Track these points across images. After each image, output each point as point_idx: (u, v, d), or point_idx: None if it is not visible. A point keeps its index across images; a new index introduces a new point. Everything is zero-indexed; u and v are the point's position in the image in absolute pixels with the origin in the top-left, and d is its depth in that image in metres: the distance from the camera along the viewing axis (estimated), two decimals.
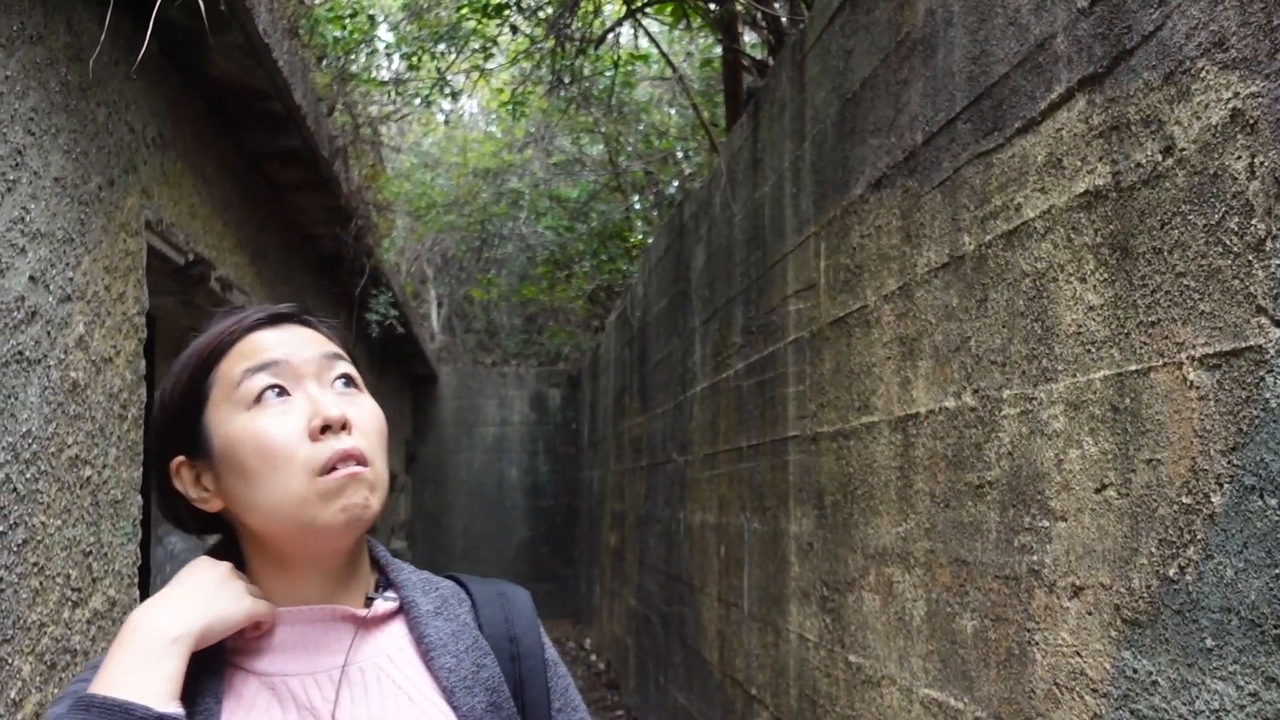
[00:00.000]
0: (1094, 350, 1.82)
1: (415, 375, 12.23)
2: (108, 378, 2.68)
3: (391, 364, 10.05)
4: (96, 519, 2.60)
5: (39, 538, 2.28)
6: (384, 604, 1.10)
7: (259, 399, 1.02)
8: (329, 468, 1.00)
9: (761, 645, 3.98)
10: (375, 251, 5.61)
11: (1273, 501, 1.37)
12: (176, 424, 1.06)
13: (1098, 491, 1.79)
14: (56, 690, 2.35)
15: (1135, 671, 1.67)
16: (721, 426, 4.78)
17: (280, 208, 4.73)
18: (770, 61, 4.86)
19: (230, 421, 1.02)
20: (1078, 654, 1.85)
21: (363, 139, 4.94)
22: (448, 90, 5.98)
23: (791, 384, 3.66)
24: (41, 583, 2.29)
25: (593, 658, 9.76)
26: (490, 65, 6.18)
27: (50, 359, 2.34)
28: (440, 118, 10.09)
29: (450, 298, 12.99)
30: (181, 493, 1.06)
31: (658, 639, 6.48)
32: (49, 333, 2.34)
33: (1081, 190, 1.86)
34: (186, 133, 3.37)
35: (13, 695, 2.16)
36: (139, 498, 2.89)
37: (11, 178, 2.06)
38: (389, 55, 6.50)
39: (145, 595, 4.16)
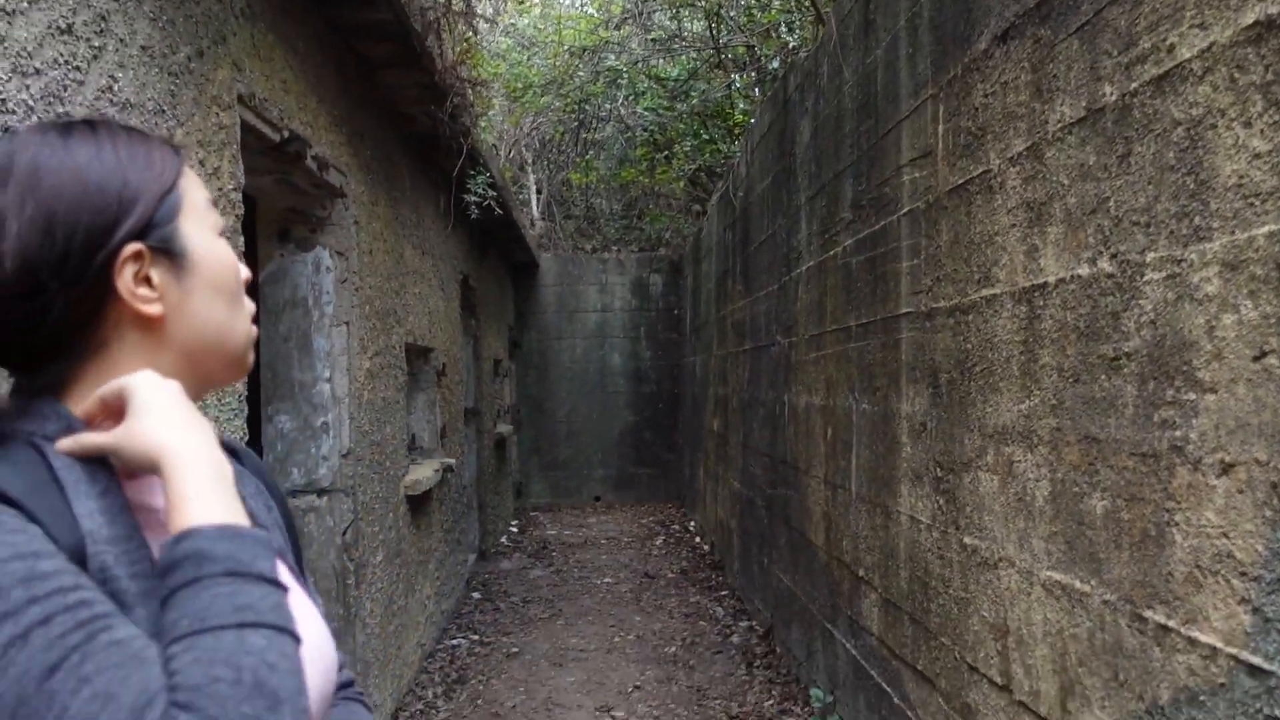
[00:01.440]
0: (1258, 203, 1.63)
1: (516, 262, 12.24)
2: None
3: (492, 250, 10.05)
4: None
5: None
6: None
7: (221, 234, 1.06)
8: (253, 320, 1.09)
9: (870, 527, 3.90)
10: (472, 131, 5.51)
11: None
12: (146, 210, 0.95)
13: (1256, 360, 1.62)
14: None
15: None
16: (828, 306, 4.62)
17: (373, 86, 4.65)
18: None
19: (209, 236, 1.03)
20: (1224, 535, 1.71)
21: (455, 12, 4.79)
22: None
23: (905, 259, 3.48)
24: None
25: (697, 540, 9.85)
26: None
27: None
28: None
29: (549, 183, 12.88)
30: (117, 288, 0.93)
31: (761, 522, 6.46)
32: None
33: (1250, 22, 1.65)
34: (274, 5, 3.28)
35: None
36: None
37: (97, 44, 2.01)
38: None
39: None
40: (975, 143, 2.84)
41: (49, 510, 0.83)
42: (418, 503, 5.53)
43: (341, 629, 4.17)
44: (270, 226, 4.22)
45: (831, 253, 4.56)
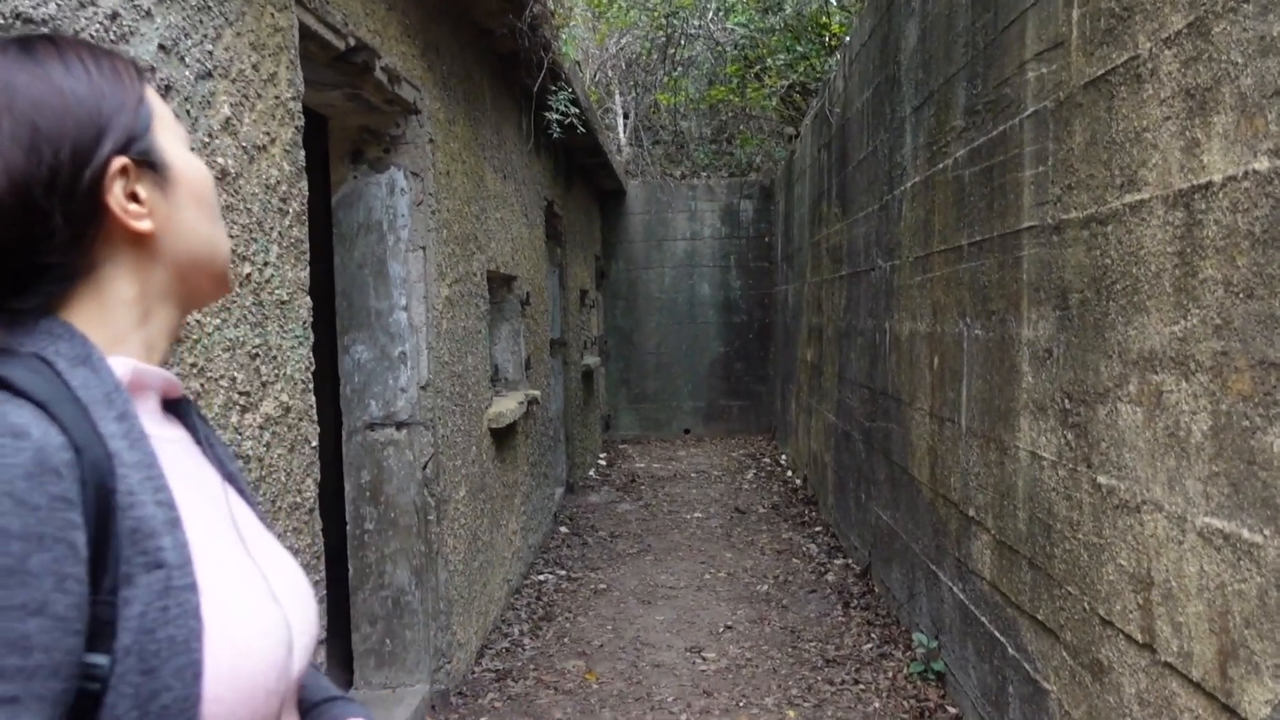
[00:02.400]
0: None
1: (603, 190, 11.96)
2: (262, 168, 2.46)
3: (578, 178, 9.78)
4: (261, 320, 2.43)
5: (194, 336, 2.11)
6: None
7: (190, 147, 1.02)
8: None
9: (983, 464, 3.59)
10: (553, 45, 5.21)
11: None
12: (127, 122, 0.90)
13: None
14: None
15: None
16: (936, 225, 4.26)
17: None
18: None
19: (183, 149, 0.98)
20: None
21: None
22: None
23: (1028, 166, 3.12)
24: (204, 385, 2.13)
25: (789, 474, 9.60)
26: None
27: (190, 140, 2.11)
28: None
29: (636, 107, 12.51)
30: (108, 204, 0.88)
31: (858, 456, 6.17)
32: (188, 111, 2.10)
33: None
34: None
35: None
36: (308, 299, 2.71)
37: None
38: None
39: (330, 405, 4.15)
40: (1119, 25, 2.47)
41: (74, 420, 0.79)
42: (502, 436, 5.37)
43: (423, 566, 4.03)
44: (342, 146, 4.02)
45: (940, 166, 4.19)
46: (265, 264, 2.46)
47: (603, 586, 5.87)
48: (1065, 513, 2.80)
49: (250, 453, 2.35)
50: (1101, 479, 2.55)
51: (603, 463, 10.58)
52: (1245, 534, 1.90)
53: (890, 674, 4.34)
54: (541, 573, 6.13)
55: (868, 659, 4.54)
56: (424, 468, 4.04)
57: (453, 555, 4.26)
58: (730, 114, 12.59)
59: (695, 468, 10.21)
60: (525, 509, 6.11)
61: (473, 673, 4.45)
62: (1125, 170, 2.43)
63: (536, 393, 6.18)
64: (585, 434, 9.87)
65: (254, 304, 2.40)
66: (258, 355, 2.41)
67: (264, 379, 2.44)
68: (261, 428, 2.42)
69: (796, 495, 8.50)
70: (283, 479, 2.52)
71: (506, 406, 5.27)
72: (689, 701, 4.12)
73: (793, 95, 9.54)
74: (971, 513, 3.73)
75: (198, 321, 2.12)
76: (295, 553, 2.59)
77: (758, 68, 9.40)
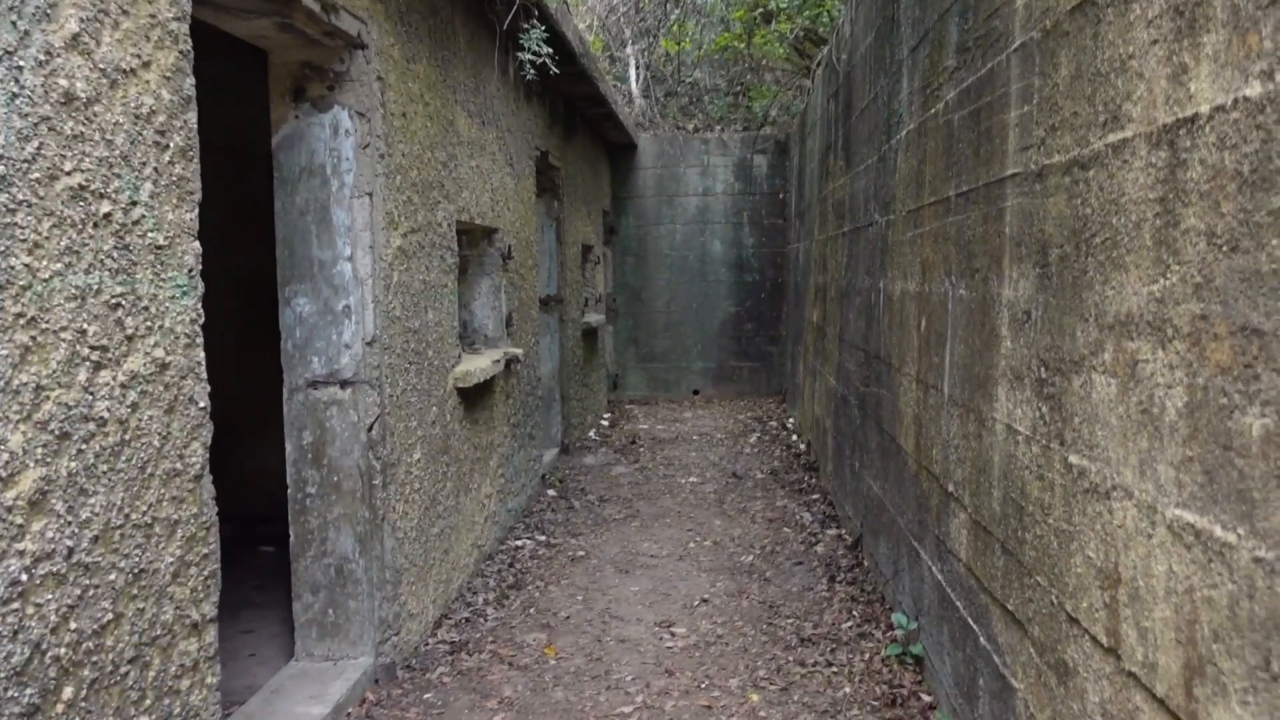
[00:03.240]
0: None
1: (611, 143, 11.61)
2: (130, 94, 2.19)
3: (581, 129, 9.45)
4: (127, 266, 2.17)
5: (22, 283, 1.85)
6: None
7: None
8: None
9: (962, 435, 3.30)
10: None
11: None
12: None
13: None
14: (72, 464, 1.98)
15: None
16: (927, 175, 3.94)
17: None
18: None
19: None
20: None
21: None
22: None
23: (1013, 106, 2.79)
24: (34, 338, 1.88)
25: (793, 438, 9.32)
26: None
27: (20, 57, 1.84)
28: None
29: (647, 55, 12.11)
30: None
31: (854, 422, 5.88)
32: (12, 22, 1.83)
33: None
34: None
35: None
36: (195, 245, 2.45)
37: None
38: None
39: (274, 359, 3.87)
40: None
41: None
42: (472, 396, 5.12)
43: (367, 533, 3.80)
44: (282, 83, 3.74)
45: (932, 111, 3.86)
46: (133, 203, 2.20)
47: (581, 554, 5.63)
48: (1037, 494, 2.51)
49: (106, 414, 2.10)
50: (1073, 458, 2.26)
51: (605, 423, 10.34)
52: (1218, 531, 1.60)
53: (867, 656, 4.08)
54: (520, 538, 5.90)
55: (845, 638, 4.28)
56: (369, 429, 3.80)
57: (403, 522, 4.03)
58: (745, 65, 12.17)
59: (699, 430, 9.95)
60: (504, 472, 5.87)
61: (426, 644, 4.23)
62: (1109, 105, 2.11)
63: (518, 351, 5.91)
64: (585, 394, 9.62)
65: (116, 248, 2.14)
66: (121, 305, 2.15)
67: (130, 332, 2.18)
68: (125, 386, 2.16)
69: (798, 461, 8.22)
70: (155, 444, 2.28)
71: (478, 365, 5.02)
72: (648, 681, 3.88)
73: (805, 44, 9.14)
74: (951, 488, 3.45)
75: (26, 265, 1.86)
76: (174, 524, 2.35)
77: (760, 10, 8.96)
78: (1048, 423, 2.44)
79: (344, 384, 3.78)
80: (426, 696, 3.75)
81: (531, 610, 4.69)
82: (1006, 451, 2.78)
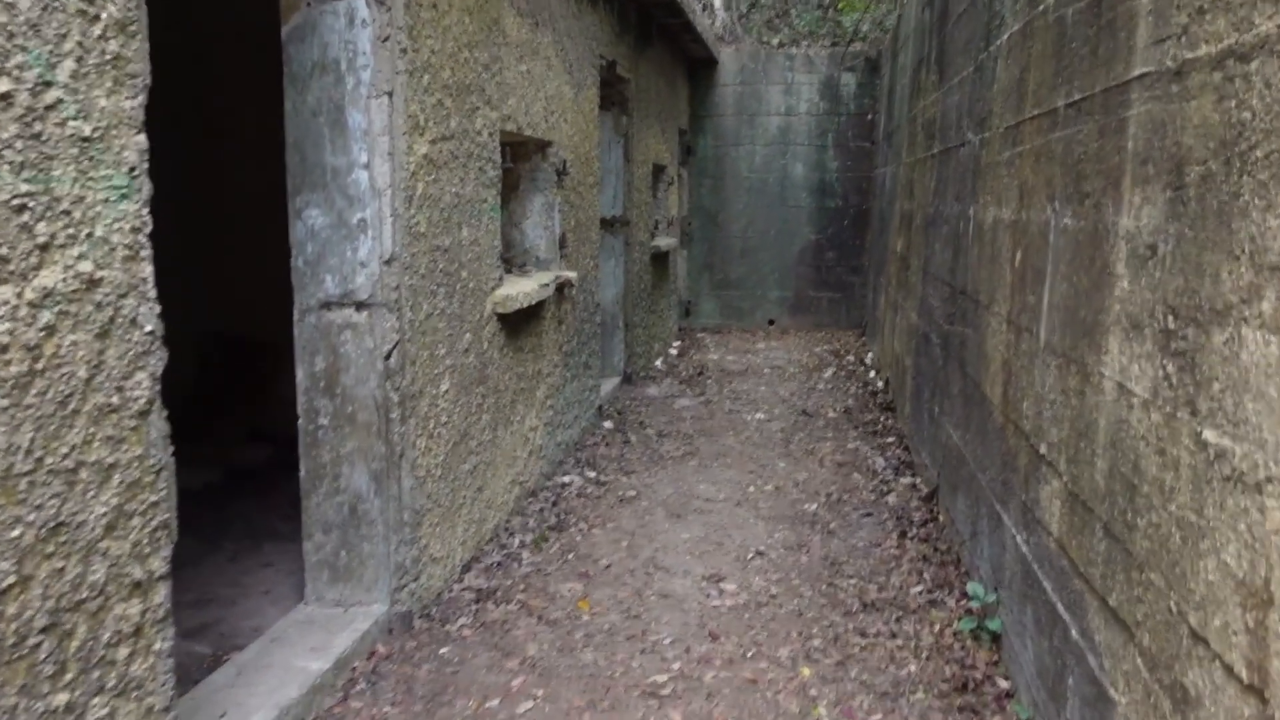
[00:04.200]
0: None
1: (691, 58, 10.98)
2: None
3: (657, 40, 8.87)
4: (38, 160, 1.79)
5: None
6: None
7: None
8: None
9: (1060, 389, 2.80)
10: None
11: None
12: None
13: None
14: None
15: None
16: (1031, 84, 3.37)
17: None
18: None
19: None
20: None
21: None
22: None
23: None
24: None
25: (871, 374, 8.79)
26: None
27: None
28: None
29: None
30: None
31: (935, 362, 5.36)
32: None
33: None
34: None
35: None
36: (138, 139, 2.06)
37: None
38: None
39: (237, 270, 3.49)
40: None
41: None
42: (516, 322, 4.73)
43: (383, 471, 3.46)
44: None
45: (1040, 7, 3.28)
46: (45, 84, 1.80)
47: (632, 494, 5.26)
48: (1156, 472, 2.02)
49: (7, 338, 1.73)
50: (1209, 434, 1.76)
51: (674, 352, 9.91)
52: None
53: (937, 628, 3.64)
54: (569, 473, 5.55)
55: (914, 605, 3.84)
56: (386, 357, 3.43)
57: (425, 458, 3.68)
58: None
59: (771, 362, 9.47)
60: (553, 403, 5.50)
61: (450, 591, 3.91)
62: None
63: (572, 274, 5.49)
64: (653, 321, 9.19)
65: (20, 137, 1.75)
66: (28, 208, 1.77)
67: (41, 240, 1.80)
68: (35, 306, 1.80)
69: (875, 400, 7.72)
70: (81, 375, 1.91)
71: (522, 289, 4.61)
72: (689, 646, 3.50)
73: None
74: (1043, 449, 2.95)
75: None
76: (108, 469, 1.99)
77: None
78: (1174, 386, 1.94)
79: (359, 306, 3.41)
80: (443, 651, 3.43)
81: (570, 556, 4.34)
82: (1116, 415, 2.29)
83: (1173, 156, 2.02)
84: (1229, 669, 1.64)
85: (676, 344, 10.38)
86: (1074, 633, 2.55)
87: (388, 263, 3.40)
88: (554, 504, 5.02)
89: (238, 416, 6.06)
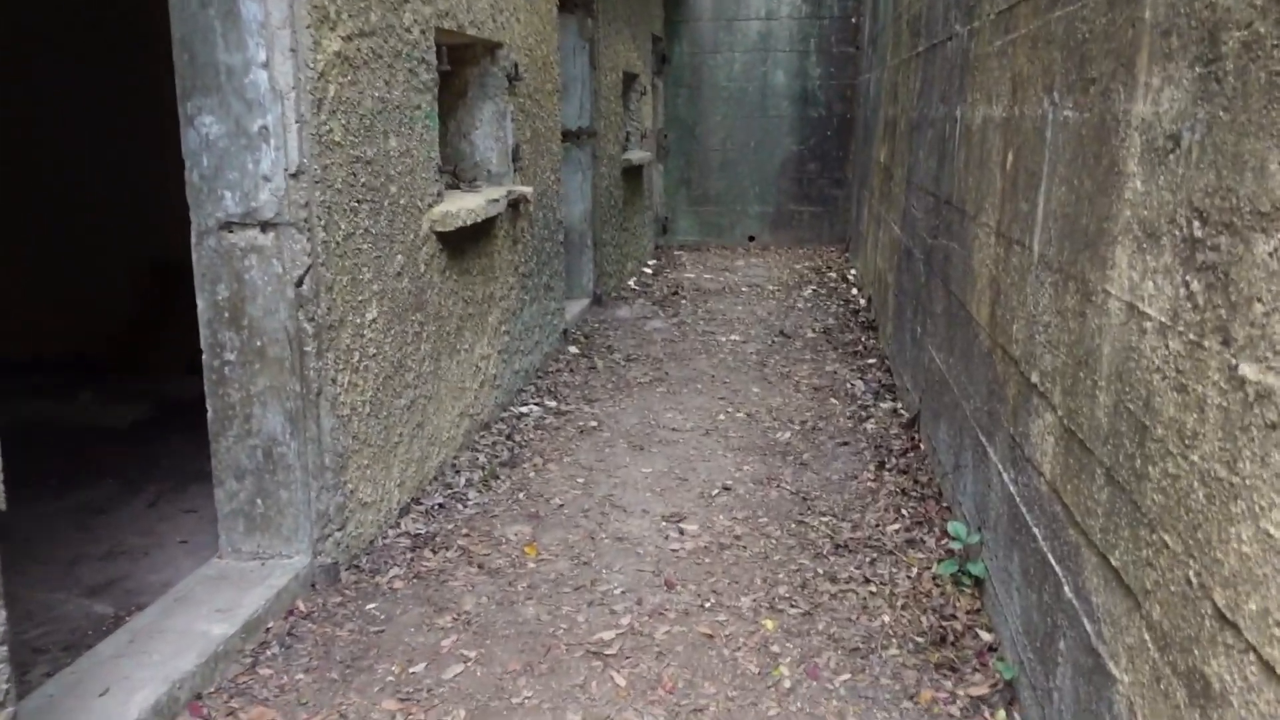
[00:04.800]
0: None
1: None
2: None
3: None
4: None
5: None
6: None
7: None
8: None
9: (1056, 310, 2.43)
10: None
11: None
12: None
13: None
14: None
15: None
16: None
17: None
18: None
19: None
20: None
21: None
22: None
23: None
24: None
25: (853, 292, 8.42)
26: None
27: None
28: None
29: None
30: None
31: (919, 279, 4.99)
32: None
33: None
34: None
35: None
36: None
37: None
38: None
39: (173, 191, 3.10)
40: None
41: None
42: (460, 241, 4.32)
43: (297, 410, 3.09)
44: None
45: None
46: None
47: (593, 424, 4.92)
48: (1174, 413, 1.67)
49: None
50: (1247, 369, 1.40)
51: (649, 270, 9.51)
52: None
53: (914, 571, 3.33)
54: (528, 403, 5.20)
55: (890, 546, 3.53)
56: (298, 284, 3.04)
57: (349, 395, 3.31)
58: None
59: (750, 280, 9.08)
60: (508, 329, 5.12)
61: (385, 537, 3.57)
62: None
63: (526, 190, 5.07)
64: (626, 239, 8.77)
65: None
66: None
67: None
68: None
69: (856, 319, 7.36)
70: None
71: (465, 205, 4.20)
72: (641, 596, 3.18)
73: None
74: (1035, 378, 2.60)
75: None
76: None
77: None
78: (1200, 308, 1.57)
79: (264, 226, 3.01)
80: (370, 607, 3.10)
81: (521, 495, 4.01)
82: (1125, 341, 1.92)
83: (1204, 22, 1.63)
84: (1269, 667, 1.30)
85: (652, 263, 9.98)
86: (1067, 590, 2.23)
87: (295, 176, 2.98)
88: (508, 437, 4.67)
89: (174, 348, 5.67)
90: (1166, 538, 1.67)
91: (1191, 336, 1.60)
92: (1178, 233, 1.68)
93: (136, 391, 5.21)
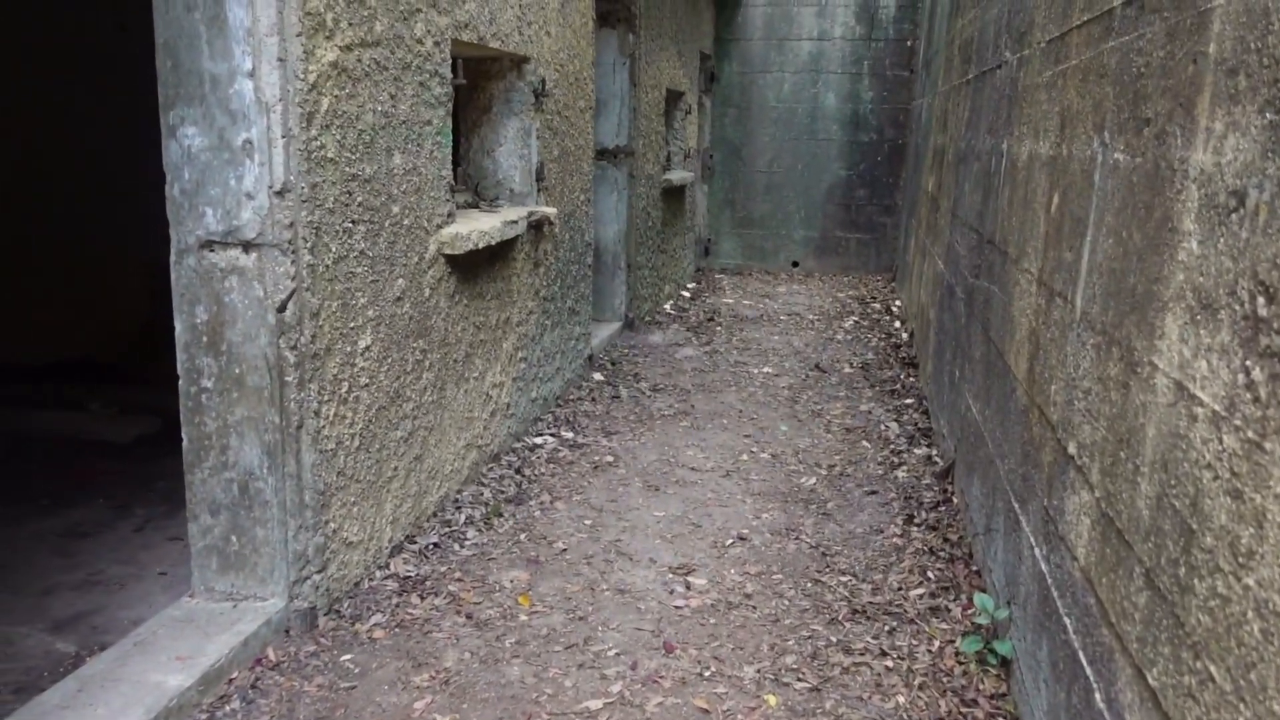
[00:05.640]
0: None
1: None
2: None
3: None
4: None
5: None
6: None
7: None
8: None
9: (1097, 377, 2.16)
10: None
11: None
12: None
13: None
14: None
15: None
16: None
17: None
18: None
19: None
20: None
21: None
22: None
23: None
24: None
25: (896, 325, 8.12)
26: None
27: None
28: None
29: None
30: None
31: (959, 319, 4.70)
32: None
33: None
34: None
35: None
36: None
37: None
38: None
39: (141, 206, 2.95)
40: None
41: None
42: (471, 264, 4.12)
43: (276, 444, 2.90)
44: None
45: None
46: None
47: (609, 459, 4.69)
48: (1226, 521, 1.40)
49: None
50: None
51: (686, 295, 9.28)
52: None
53: (936, 644, 3.05)
54: (543, 434, 4.98)
55: (911, 613, 3.25)
56: (280, 309, 2.85)
57: (335, 428, 3.11)
58: None
59: (790, 308, 8.81)
60: (525, 355, 4.91)
61: (372, 578, 3.36)
62: None
63: (550, 210, 4.87)
64: (663, 261, 8.55)
65: None
66: None
67: None
68: None
69: (896, 354, 7.06)
70: None
71: (478, 227, 4.00)
72: (636, 659, 2.94)
73: None
74: (1072, 449, 2.33)
75: None
76: None
77: None
78: (1263, 401, 1.31)
79: (246, 246, 2.82)
80: (345, 659, 2.89)
81: (523, 536, 3.79)
82: (1172, 426, 1.66)
83: (1279, 60, 1.37)
84: None
85: (691, 286, 9.74)
86: (1098, 698, 1.95)
87: (280, 194, 2.80)
88: (518, 471, 4.46)
89: None
90: (1213, 669, 1.40)
91: (1251, 434, 1.34)
92: (1238, 308, 1.41)
93: (146, 404, 5.08)
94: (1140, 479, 1.80)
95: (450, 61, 3.82)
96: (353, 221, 3.14)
